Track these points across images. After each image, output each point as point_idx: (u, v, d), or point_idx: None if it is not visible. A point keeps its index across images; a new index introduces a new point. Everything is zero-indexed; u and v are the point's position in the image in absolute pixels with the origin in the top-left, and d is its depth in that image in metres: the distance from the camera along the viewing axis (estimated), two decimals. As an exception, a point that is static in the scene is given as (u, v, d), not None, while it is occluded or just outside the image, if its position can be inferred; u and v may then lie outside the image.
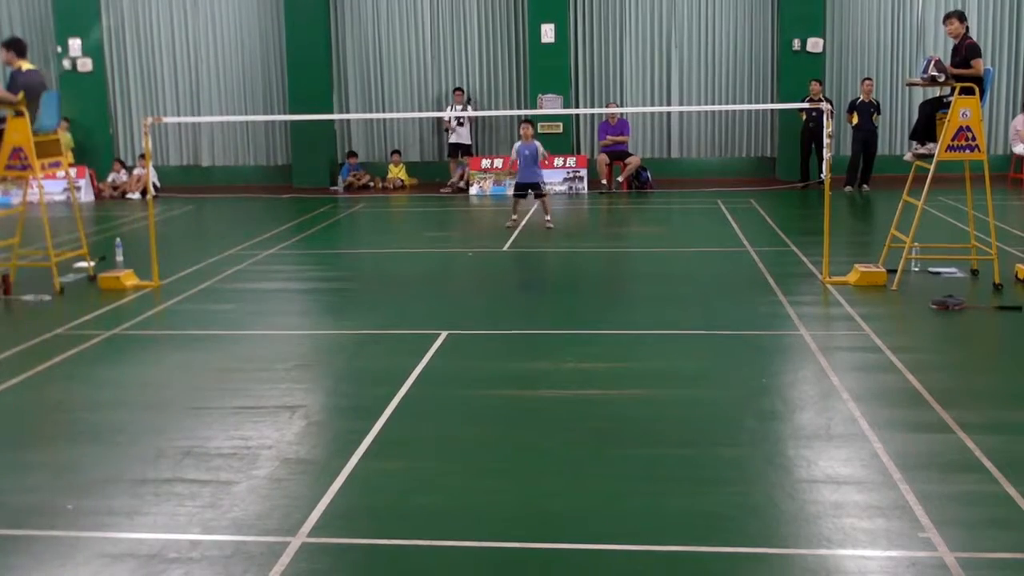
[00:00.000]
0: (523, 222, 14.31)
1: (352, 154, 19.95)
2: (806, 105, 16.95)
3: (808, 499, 4.90)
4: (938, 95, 10.26)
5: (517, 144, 14.38)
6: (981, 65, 9.60)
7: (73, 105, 18.95)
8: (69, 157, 17.95)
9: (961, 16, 9.94)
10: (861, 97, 17.82)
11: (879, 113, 17.94)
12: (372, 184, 19.55)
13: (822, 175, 11.20)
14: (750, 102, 19.62)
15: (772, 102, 19.30)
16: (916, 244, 9.94)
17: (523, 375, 7.16)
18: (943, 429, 5.81)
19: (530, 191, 14.11)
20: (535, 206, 14.91)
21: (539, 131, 19.21)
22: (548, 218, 13.99)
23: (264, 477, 5.31)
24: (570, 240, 13.35)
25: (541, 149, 14.19)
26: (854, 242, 12.24)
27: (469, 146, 19.51)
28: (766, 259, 11.17)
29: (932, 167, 9.69)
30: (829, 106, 10.36)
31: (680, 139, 20.14)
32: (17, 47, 10.56)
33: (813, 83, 18.01)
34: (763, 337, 8.10)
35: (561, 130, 19.35)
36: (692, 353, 7.71)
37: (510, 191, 18.47)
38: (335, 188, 19.62)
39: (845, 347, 7.70)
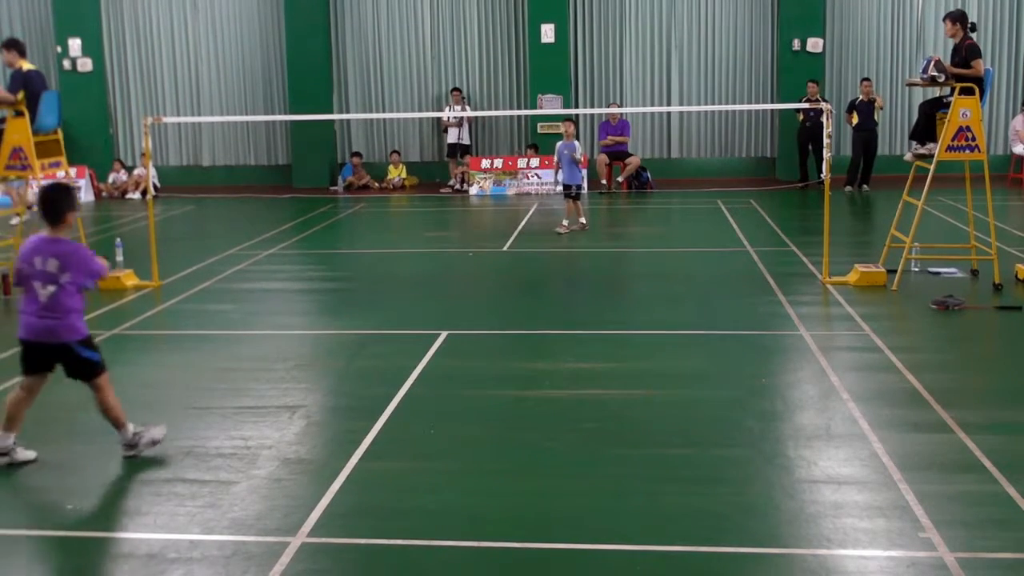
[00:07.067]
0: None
1: (356, 154, 19.95)
2: (805, 105, 16.95)
3: (808, 499, 4.90)
4: (938, 95, 10.26)
5: (559, 144, 14.18)
6: (981, 66, 9.59)
7: (73, 105, 18.92)
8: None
9: (955, 18, 9.89)
10: (860, 97, 17.81)
11: (880, 106, 17.85)
12: (371, 184, 19.55)
13: (822, 175, 11.20)
14: (750, 102, 19.62)
15: (772, 102, 19.30)
16: (916, 244, 9.94)
17: (523, 375, 7.17)
18: (943, 429, 5.81)
19: (574, 189, 13.89)
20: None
21: (538, 131, 19.31)
22: (583, 220, 13.80)
23: (264, 477, 5.31)
24: (570, 240, 13.34)
25: (579, 148, 14.11)
26: (854, 242, 12.24)
27: (468, 146, 19.50)
28: (766, 259, 11.17)
29: (932, 167, 9.68)
30: (829, 106, 10.36)
31: (680, 139, 20.13)
32: (19, 47, 10.58)
33: (810, 84, 18.03)
34: (763, 337, 8.10)
35: (561, 130, 19.33)
36: (692, 353, 7.71)
37: (510, 191, 18.53)
38: (335, 188, 19.62)
39: (845, 347, 7.70)
